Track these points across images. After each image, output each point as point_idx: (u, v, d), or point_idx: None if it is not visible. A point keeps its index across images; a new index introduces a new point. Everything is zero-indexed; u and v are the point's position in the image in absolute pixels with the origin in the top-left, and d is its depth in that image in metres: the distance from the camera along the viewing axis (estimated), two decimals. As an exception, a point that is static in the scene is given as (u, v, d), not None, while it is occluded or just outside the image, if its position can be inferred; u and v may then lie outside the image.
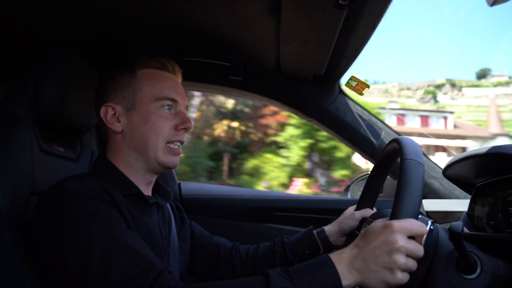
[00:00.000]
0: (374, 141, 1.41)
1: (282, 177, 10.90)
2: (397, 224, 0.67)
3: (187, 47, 1.26)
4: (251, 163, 11.20)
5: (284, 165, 10.95)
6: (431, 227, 0.71)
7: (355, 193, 1.74)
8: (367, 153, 1.44)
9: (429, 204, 1.33)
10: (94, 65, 1.12)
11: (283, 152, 10.99)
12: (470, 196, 1.01)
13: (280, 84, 1.40)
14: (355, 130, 1.42)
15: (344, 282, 0.67)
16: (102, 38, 1.20)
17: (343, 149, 10.36)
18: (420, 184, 0.69)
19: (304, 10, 0.89)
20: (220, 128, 11.59)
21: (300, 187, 10.78)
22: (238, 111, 11.92)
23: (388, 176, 1.08)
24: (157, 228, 0.92)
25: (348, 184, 1.80)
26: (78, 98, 1.05)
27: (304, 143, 10.94)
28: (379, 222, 0.70)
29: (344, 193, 1.81)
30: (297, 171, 11.25)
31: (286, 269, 0.69)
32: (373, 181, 1.05)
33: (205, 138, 11.33)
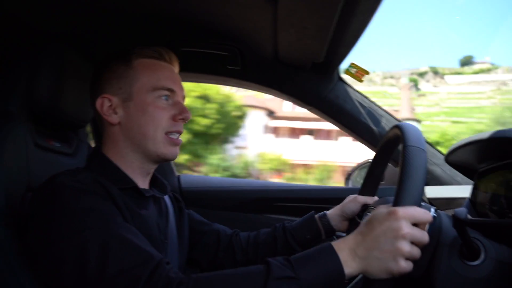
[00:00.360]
0: (375, 128, 1.40)
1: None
2: (402, 210, 0.65)
3: (182, 37, 1.23)
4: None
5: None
6: (434, 215, 0.70)
7: (357, 182, 1.73)
8: (368, 141, 1.42)
9: (431, 191, 1.32)
10: (89, 57, 1.10)
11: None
12: (472, 182, 1.00)
13: (278, 72, 1.38)
14: (355, 118, 1.40)
15: (347, 270, 0.66)
16: (97, 30, 1.17)
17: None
18: (422, 170, 0.67)
19: None
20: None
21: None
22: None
23: (389, 164, 1.07)
24: (154, 221, 0.91)
25: (349, 172, 1.79)
26: (73, 92, 1.03)
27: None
28: (383, 209, 0.69)
29: (346, 182, 1.81)
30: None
31: (287, 257, 0.68)
32: (374, 169, 1.04)
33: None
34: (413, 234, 0.65)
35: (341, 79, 1.41)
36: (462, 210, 0.65)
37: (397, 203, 0.67)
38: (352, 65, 1.29)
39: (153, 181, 1.00)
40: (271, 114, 22.99)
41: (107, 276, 0.66)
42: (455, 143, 1.01)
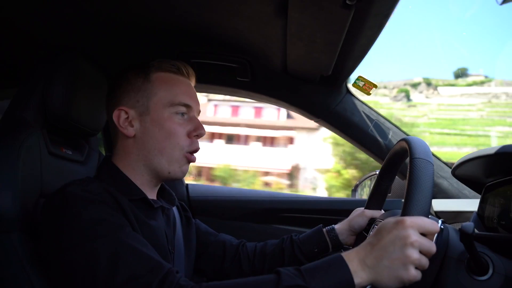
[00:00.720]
0: (382, 141, 1.41)
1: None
2: (410, 220, 0.66)
3: (193, 49, 1.26)
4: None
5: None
6: (442, 226, 0.70)
7: (363, 193, 1.73)
8: (375, 153, 1.43)
9: (438, 204, 1.31)
10: (102, 67, 1.13)
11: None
12: (479, 196, 1.00)
13: (287, 85, 1.40)
14: (363, 130, 1.41)
15: (357, 280, 0.66)
16: (110, 41, 1.20)
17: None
18: (430, 182, 0.68)
19: (311, 10, 0.88)
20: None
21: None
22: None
23: (396, 177, 1.08)
24: (162, 231, 0.92)
25: (356, 184, 1.79)
26: (86, 101, 1.05)
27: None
28: (390, 219, 0.69)
29: (352, 193, 1.81)
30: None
31: (298, 267, 0.69)
32: (381, 181, 1.04)
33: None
34: (421, 242, 0.65)
35: (349, 92, 1.43)
36: (469, 225, 0.65)
37: (405, 213, 0.68)
38: (360, 78, 1.30)
39: (161, 191, 1.01)
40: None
41: (117, 283, 0.67)
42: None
